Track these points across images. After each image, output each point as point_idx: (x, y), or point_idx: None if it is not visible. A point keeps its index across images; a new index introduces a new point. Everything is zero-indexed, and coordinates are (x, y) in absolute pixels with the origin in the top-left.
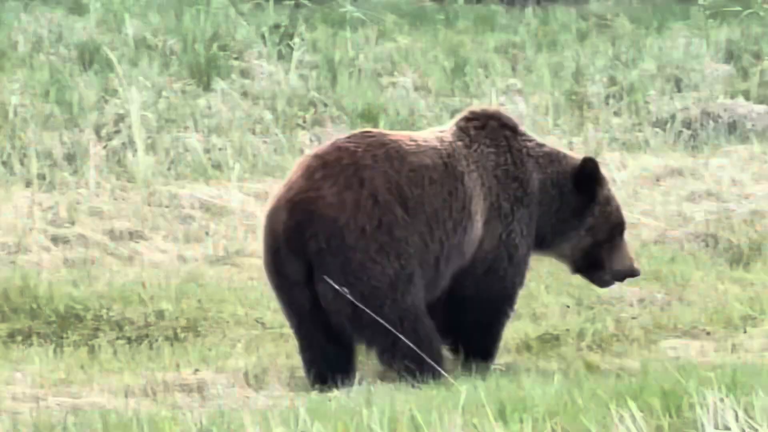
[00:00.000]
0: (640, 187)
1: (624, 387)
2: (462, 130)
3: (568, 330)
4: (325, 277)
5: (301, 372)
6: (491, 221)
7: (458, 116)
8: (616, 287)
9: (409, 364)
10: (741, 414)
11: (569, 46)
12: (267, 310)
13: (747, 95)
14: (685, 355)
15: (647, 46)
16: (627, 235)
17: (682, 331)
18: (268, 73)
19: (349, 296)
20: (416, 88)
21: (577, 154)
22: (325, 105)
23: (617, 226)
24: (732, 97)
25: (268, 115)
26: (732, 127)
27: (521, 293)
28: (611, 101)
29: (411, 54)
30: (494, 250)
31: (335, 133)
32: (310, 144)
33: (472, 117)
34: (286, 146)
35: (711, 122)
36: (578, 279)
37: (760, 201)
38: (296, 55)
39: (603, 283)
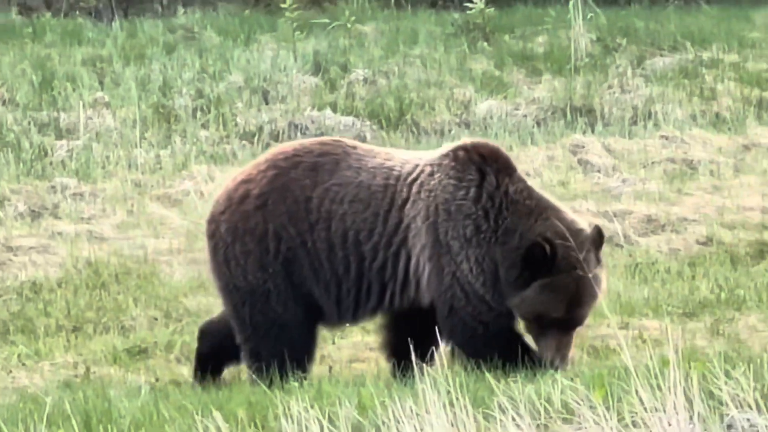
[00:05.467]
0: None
1: (210, 398)
2: (441, 156)
3: (156, 342)
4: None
5: None
6: (437, 258)
7: (454, 143)
8: (205, 300)
9: (253, 367)
10: (326, 424)
11: (157, 59)
12: None
13: (335, 107)
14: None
15: (235, 58)
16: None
17: None
18: None
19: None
20: (4, 102)
21: (572, 218)
22: None
23: (547, 319)
24: (320, 109)
25: None
26: None
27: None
28: (199, 114)
29: None
30: (449, 290)
31: None
32: None
33: (462, 147)
34: None
35: (299, 134)
36: (166, 291)
37: None
38: None
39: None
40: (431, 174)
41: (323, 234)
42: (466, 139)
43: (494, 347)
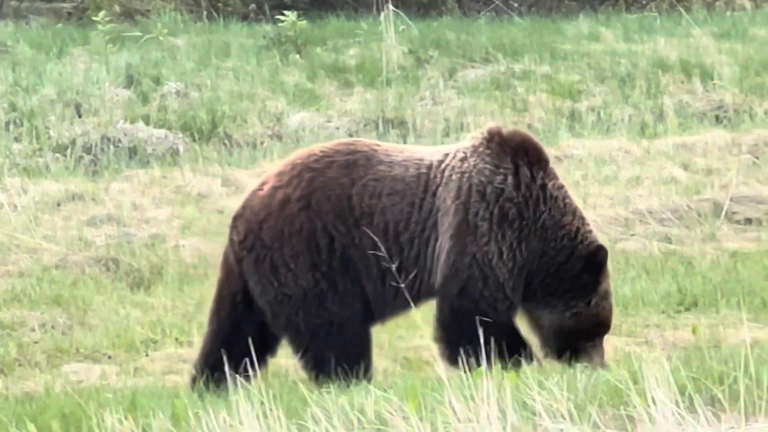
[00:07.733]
0: (41, 213)
1: (24, 410)
2: (474, 143)
3: None
4: (246, 272)
5: None
6: (461, 237)
7: (484, 129)
8: (19, 312)
9: (319, 374)
10: None
11: None
12: None
13: (147, 120)
14: (87, 379)
15: (47, 71)
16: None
17: (84, 355)
18: None
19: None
20: None
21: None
22: None
23: (602, 326)
24: (132, 122)
25: None
26: (132, 152)
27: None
28: (12, 127)
29: None
30: (467, 270)
31: None
32: None
33: (494, 135)
34: None
35: (111, 147)
36: None
37: (160, 225)
38: None
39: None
40: (463, 159)
41: (358, 230)
42: (494, 126)
43: (500, 335)
